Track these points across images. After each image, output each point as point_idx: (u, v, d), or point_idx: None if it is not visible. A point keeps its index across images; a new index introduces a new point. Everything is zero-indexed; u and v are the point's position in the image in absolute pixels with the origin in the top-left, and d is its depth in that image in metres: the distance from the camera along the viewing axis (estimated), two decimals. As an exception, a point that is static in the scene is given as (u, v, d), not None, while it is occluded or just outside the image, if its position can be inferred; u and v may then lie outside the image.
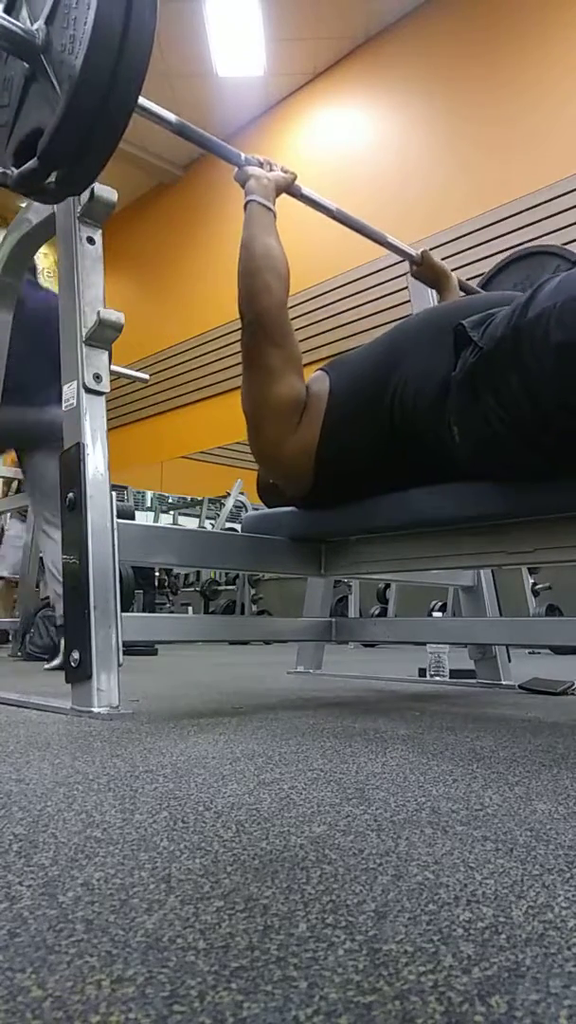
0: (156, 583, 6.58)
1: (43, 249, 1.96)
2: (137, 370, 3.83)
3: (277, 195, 1.51)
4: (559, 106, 4.97)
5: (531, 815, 0.62)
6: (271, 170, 1.54)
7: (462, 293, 2.00)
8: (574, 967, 0.35)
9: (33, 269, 2.76)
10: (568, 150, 4.87)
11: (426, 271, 1.98)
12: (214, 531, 4.57)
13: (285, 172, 1.56)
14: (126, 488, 6.17)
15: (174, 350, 7.69)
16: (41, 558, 3.20)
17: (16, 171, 1.09)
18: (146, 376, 3.53)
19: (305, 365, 1.45)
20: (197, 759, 0.85)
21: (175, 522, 10.18)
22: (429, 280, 2.01)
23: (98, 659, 1.21)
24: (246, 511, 6.63)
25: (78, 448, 1.31)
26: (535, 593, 5.28)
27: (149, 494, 10.03)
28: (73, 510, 1.29)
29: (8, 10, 1.09)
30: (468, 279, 2.18)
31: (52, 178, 1.08)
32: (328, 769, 0.80)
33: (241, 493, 7.74)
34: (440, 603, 5.42)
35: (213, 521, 8.29)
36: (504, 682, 1.98)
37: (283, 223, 1.46)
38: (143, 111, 1.33)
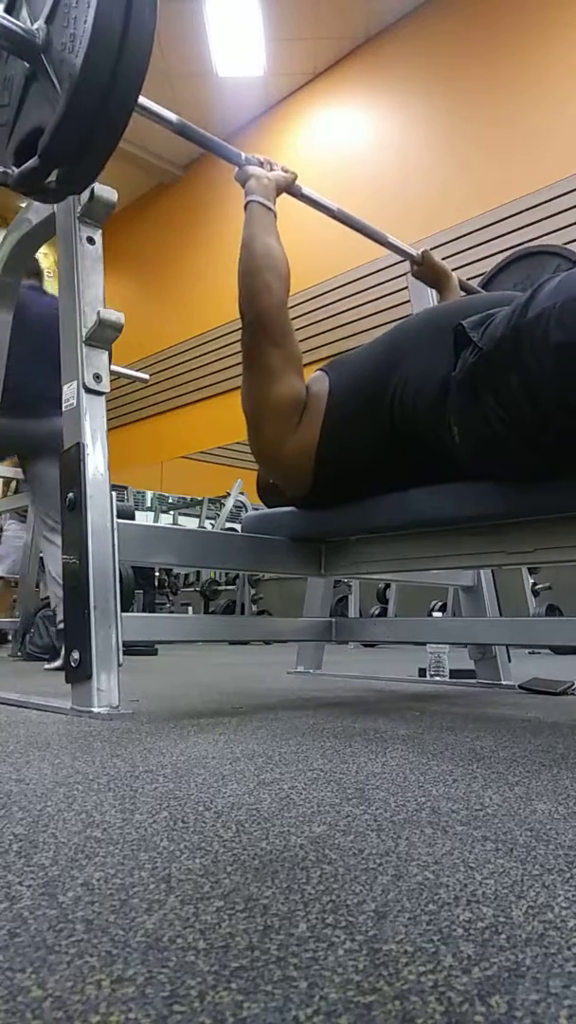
0: (156, 583, 6.58)
1: (43, 249, 1.96)
2: (137, 370, 3.83)
3: (277, 195, 1.51)
4: (559, 106, 4.97)
5: (531, 815, 0.62)
6: (271, 170, 1.54)
7: (463, 293, 2.00)
8: (574, 967, 0.35)
9: (39, 274, 2.75)
10: (568, 150, 4.87)
11: (427, 271, 1.98)
12: (214, 531, 4.57)
13: (286, 172, 1.56)
14: (126, 488, 6.17)
15: (174, 350, 7.69)
16: (41, 558, 3.20)
17: (17, 170, 1.09)
18: (146, 376, 3.53)
19: (305, 365, 1.45)
20: (197, 759, 0.85)
21: (175, 522, 10.18)
22: (430, 280, 2.01)
23: (98, 659, 1.21)
24: (246, 511, 6.63)
25: (78, 448, 1.31)
26: (535, 593, 5.28)
27: (149, 494, 10.03)
28: (73, 510, 1.29)
29: (8, 10, 1.09)
30: (468, 279, 2.18)
31: (52, 177, 1.08)
32: (328, 769, 0.80)
33: (241, 493, 7.74)
34: (440, 603, 5.42)
35: (213, 521, 8.29)
36: (504, 682, 1.98)
37: (283, 223, 1.46)
38: (143, 110, 1.33)
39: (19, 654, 3.33)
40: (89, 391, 1.34)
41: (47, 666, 2.59)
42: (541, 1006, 0.31)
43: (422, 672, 2.20)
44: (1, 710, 1.32)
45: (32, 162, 1.04)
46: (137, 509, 7.98)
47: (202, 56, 6.48)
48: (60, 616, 2.61)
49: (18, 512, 3.88)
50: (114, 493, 1.32)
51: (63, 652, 1.36)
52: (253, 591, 7.42)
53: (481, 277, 2.27)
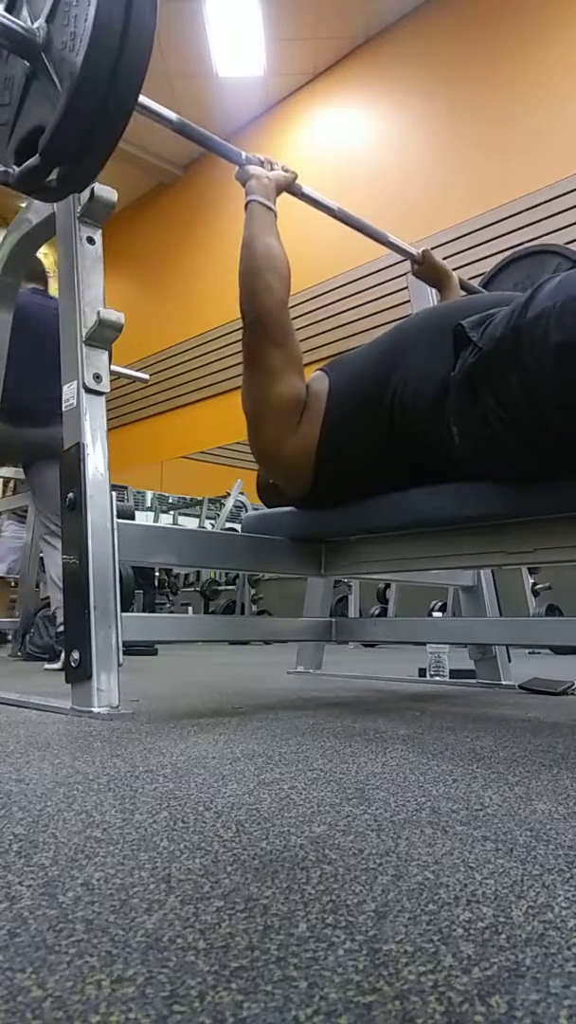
0: (156, 583, 6.58)
1: (43, 249, 1.96)
2: (137, 370, 3.83)
3: (278, 194, 1.51)
4: (559, 106, 4.97)
5: (531, 815, 0.62)
6: (272, 169, 1.54)
7: (463, 292, 2.00)
8: (574, 967, 0.35)
9: (44, 278, 2.74)
10: (568, 150, 4.87)
11: (427, 270, 1.98)
12: (214, 531, 4.57)
13: (286, 171, 1.56)
14: (126, 488, 6.17)
15: (174, 350, 7.69)
16: (42, 559, 3.21)
17: (17, 169, 1.09)
18: (146, 376, 3.53)
19: (305, 365, 1.45)
20: (197, 759, 0.85)
21: (175, 522, 10.17)
22: (430, 279, 2.01)
23: (98, 659, 1.21)
24: (246, 511, 6.63)
25: (78, 448, 1.31)
26: (535, 593, 5.28)
27: (149, 494, 10.02)
28: (73, 510, 1.29)
29: (9, 9, 1.09)
30: (468, 279, 2.18)
31: (53, 176, 1.08)
32: (328, 769, 0.80)
33: (241, 493, 7.74)
34: (440, 603, 5.42)
35: (213, 521, 8.29)
36: (504, 682, 1.98)
37: (283, 223, 1.46)
38: (144, 109, 1.33)
39: (19, 654, 3.33)
40: (89, 391, 1.34)
41: (47, 666, 2.59)
42: (541, 1006, 0.31)
43: (422, 672, 2.20)
44: (1, 710, 1.32)
45: (33, 161, 1.04)
46: (137, 509, 7.98)
47: (202, 56, 6.48)
48: (60, 619, 2.61)
49: (16, 512, 3.88)
50: (114, 493, 1.32)
51: (63, 652, 1.36)
52: (253, 591, 7.42)
53: (481, 277, 2.27)
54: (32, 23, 1.03)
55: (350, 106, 6.48)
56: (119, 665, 1.24)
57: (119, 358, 3.06)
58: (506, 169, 5.22)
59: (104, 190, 1.38)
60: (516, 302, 1.12)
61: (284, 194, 1.55)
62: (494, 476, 1.23)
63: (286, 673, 2.36)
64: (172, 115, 1.42)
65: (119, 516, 1.31)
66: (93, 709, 1.20)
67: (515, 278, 2.11)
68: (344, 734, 1.06)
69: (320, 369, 1.48)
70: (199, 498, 9.68)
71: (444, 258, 2.04)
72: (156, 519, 10.05)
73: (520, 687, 1.87)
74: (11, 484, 3.94)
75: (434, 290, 2.06)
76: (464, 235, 5.27)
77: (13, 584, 3.99)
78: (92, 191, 1.37)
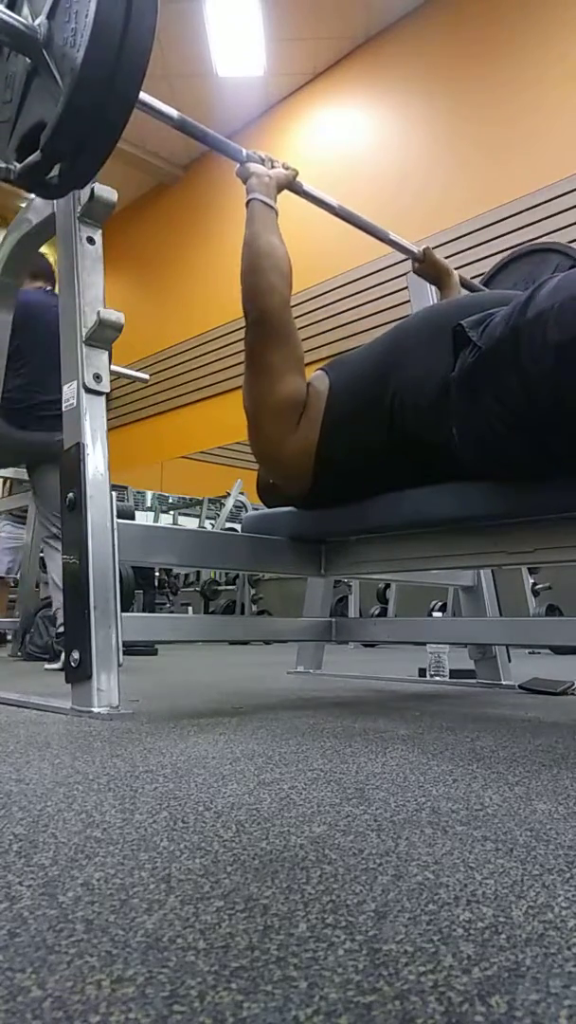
0: (156, 583, 6.57)
1: (43, 249, 1.96)
2: (137, 370, 3.83)
3: (279, 192, 1.51)
4: (559, 106, 4.97)
5: (531, 815, 0.62)
6: (272, 167, 1.54)
7: (464, 291, 2.00)
8: (574, 967, 0.35)
9: (52, 277, 2.73)
10: (567, 150, 4.87)
11: (428, 268, 1.98)
12: (214, 531, 4.57)
13: (287, 169, 1.56)
14: (126, 488, 6.17)
15: (174, 350, 7.69)
16: (42, 559, 3.21)
17: (19, 165, 1.09)
18: (146, 376, 3.53)
19: (305, 365, 1.45)
20: (197, 759, 0.85)
21: (175, 522, 10.17)
22: (431, 277, 2.01)
23: (98, 659, 1.21)
24: (246, 511, 6.63)
25: (78, 448, 1.31)
26: (535, 593, 5.28)
27: (149, 494, 10.02)
28: (73, 510, 1.28)
29: (10, 6, 1.09)
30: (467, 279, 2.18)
31: (54, 172, 1.08)
32: (328, 769, 0.80)
33: (241, 493, 7.74)
34: (440, 603, 5.42)
35: (213, 521, 8.29)
36: (504, 682, 1.98)
37: (284, 222, 1.46)
38: (144, 106, 1.33)
39: (19, 654, 3.33)
40: (89, 391, 1.34)
41: (47, 666, 2.59)
42: (541, 1006, 0.31)
43: (422, 672, 2.20)
44: (1, 710, 1.32)
45: (34, 157, 1.05)
46: (137, 509, 7.98)
47: (202, 56, 6.48)
48: (60, 620, 2.61)
49: (12, 513, 3.88)
50: (114, 493, 1.32)
51: (64, 652, 1.36)
52: (253, 591, 7.42)
53: (481, 277, 2.26)
54: (33, 20, 1.04)
55: (350, 106, 6.48)
56: (119, 665, 1.24)
57: (119, 358, 3.06)
58: (506, 169, 5.21)
59: (104, 190, 1.38)
60: (515, 302, 1.12)
61: (285, 192, 1.55)
62: (494, 476, 1.23)
63: (286, 673, 2.36)
64: (173, 112, 1.41)
65: (119, 516, 1.31)
66: (93, 709, 1.20)
67: (516, 277, 2.10)
68: (344, 734, 1.06)
69: (320, 369, 1.48)
70: (199, 498, 9.69)
71: (444, 258, 2.03)
72: (156, 519, 10.05)
73: (520, 687, 1.87)
74: (7, 484, 3.93)
75: (434, 289, 2.06)
76: (464, 235, 5.27)
77: (13, 584, 3.99)
78: (92, 191, 1.37)
